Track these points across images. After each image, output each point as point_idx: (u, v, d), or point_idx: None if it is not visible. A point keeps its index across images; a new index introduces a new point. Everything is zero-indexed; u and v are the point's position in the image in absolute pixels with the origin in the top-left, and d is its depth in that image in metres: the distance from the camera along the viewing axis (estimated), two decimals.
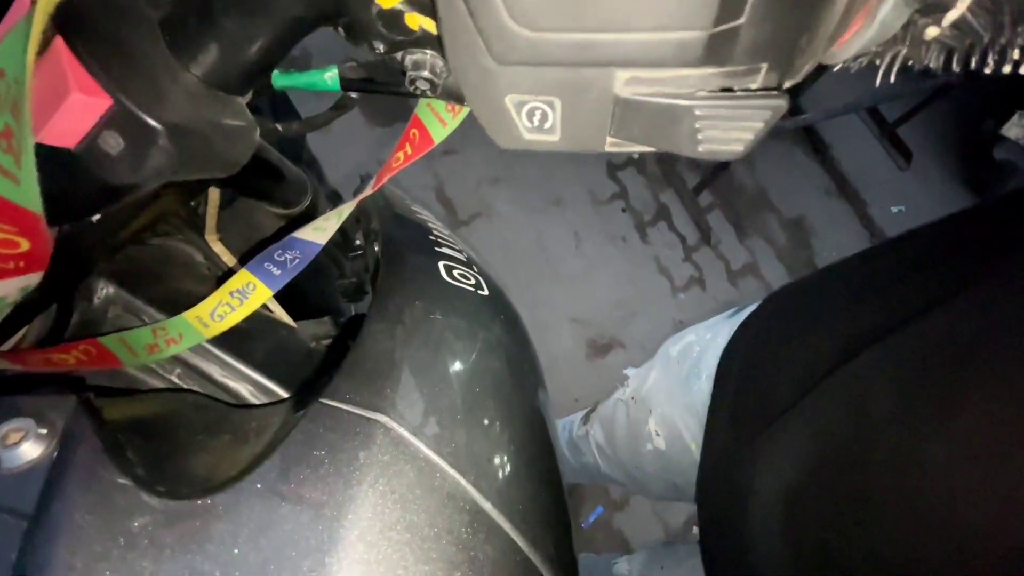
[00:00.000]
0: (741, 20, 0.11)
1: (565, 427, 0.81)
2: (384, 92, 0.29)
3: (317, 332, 0.41)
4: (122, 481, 0.16)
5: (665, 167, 1.71)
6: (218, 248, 0.41)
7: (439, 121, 0.24)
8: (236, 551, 0.15)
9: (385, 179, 0.27)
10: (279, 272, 0.28)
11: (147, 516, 0.15)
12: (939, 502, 0.23)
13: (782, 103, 0.13)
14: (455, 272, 0.29)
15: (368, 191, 0.27)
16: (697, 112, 0.13)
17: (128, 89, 0.14)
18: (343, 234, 0.41)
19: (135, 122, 0.14)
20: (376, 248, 0.33)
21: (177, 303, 0.34)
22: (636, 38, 0.12)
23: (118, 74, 0.14)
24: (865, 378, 0.28)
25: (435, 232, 0.33)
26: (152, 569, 0.15)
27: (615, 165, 1.68)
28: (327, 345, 0.39)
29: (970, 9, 0.12)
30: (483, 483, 0.19)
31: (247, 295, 0.28)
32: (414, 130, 0.25)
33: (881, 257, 0.36)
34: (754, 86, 0.13)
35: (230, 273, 0.40)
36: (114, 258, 0.32)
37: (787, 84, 0.14)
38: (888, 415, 0.26)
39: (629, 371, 0.59)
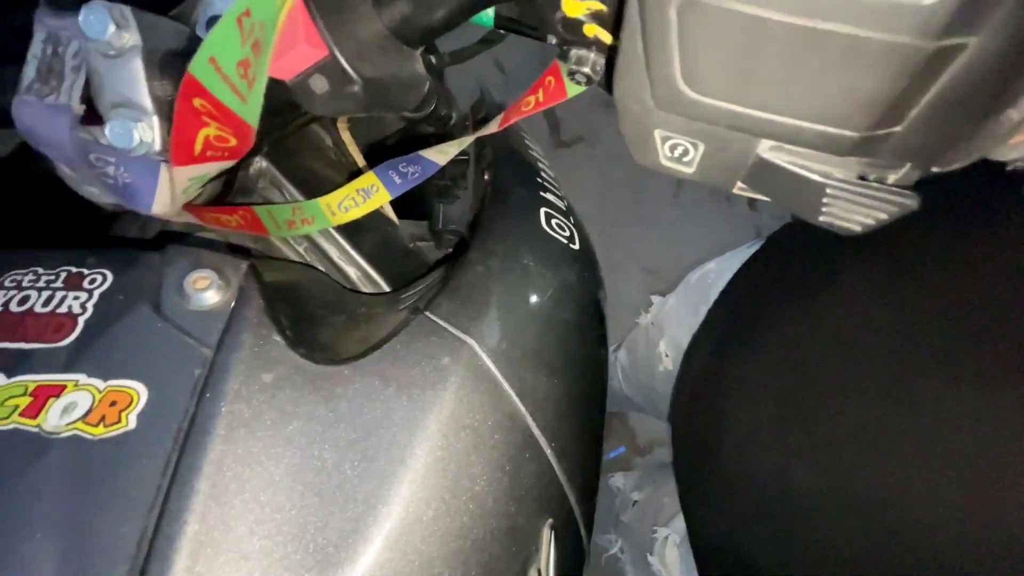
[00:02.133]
0: (898, 128, 0.12)
1: None
2: (531, 36, 0.31)
3: (415, 232, 0.46)
4: (276, 338, 0.21)
5: None
6: (346, 137, 0.46)
7: None
8: (346, 416, 0.21)
9: (512, 120, 0.29)
10: (400, 181, 0.32)
11: (292, 370, 0.21)
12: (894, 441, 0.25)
13: (913, 204, 0.14)
14: (553, 222, 0.32)
15: (492, 128, 0.30)
16: (828, 190, 0.14)
17: (341, 43, 0.17)
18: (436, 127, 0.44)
19: (340, 71, 0.18)
20: (485, 176, 0.36)
21: (307, 182, 0.39)
22: (792, 123, 0.13)
23: (335, 29, 0.17)
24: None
25: (543, 173, 0.35)
26: (289, 410, 0.20)
27: None
28: (423, 247, 0.44)
29: None
30: (538, 415, 0.24)
31: (370, 195, 0.32)
32: (550, 78, 0.27)
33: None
34: (891, 180, 0.14)
35: (352, 161, 0.45)
36: (270, 139, 0.37)
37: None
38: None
39: (654, 298, 0.62)
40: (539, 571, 0.22)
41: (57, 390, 0.20)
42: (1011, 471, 0.23)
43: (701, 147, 0.16)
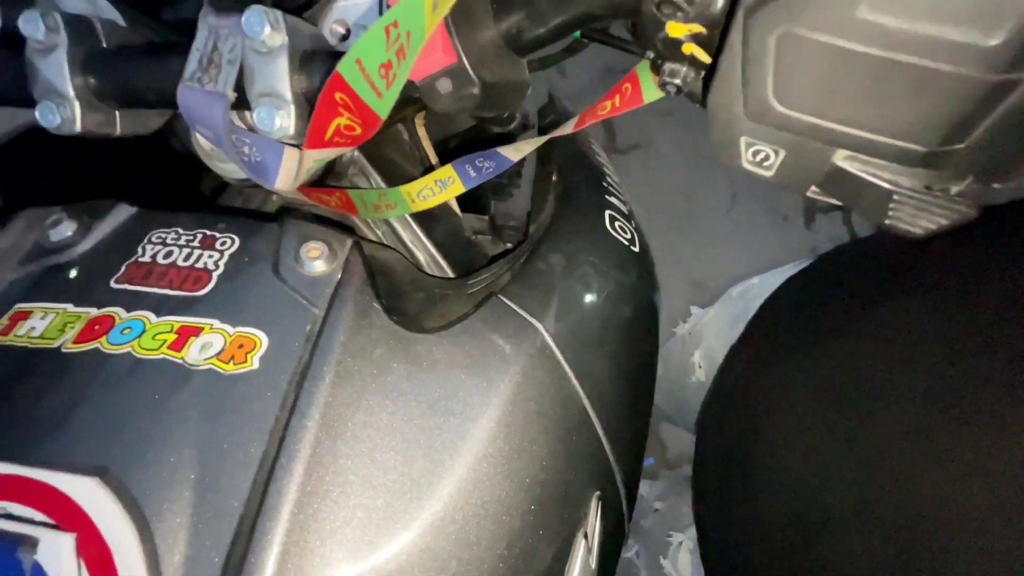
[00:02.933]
0: (962, 146, 0.15)
1: None
2: (615, 46, 0.33)
3: (475, 226, 0.49)
4: (375, 305, 0.25)
5: None
6: (421, 132, 0.50)
7: (655, 84, 0.28)
8: (430, 378, 0.24)
9: (587, 123, 0.31)
10: (475, 175, 0.35)
11: (387, 334, 0.24)
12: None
13: (971, 212, 0.16)
14: (616, 224, 0.34)
15: (568, 130, 0.33)
16: (895, 196, 0.17)
17: (468, 52, 0.21)
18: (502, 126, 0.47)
19: (465, 75, 0.21)
20: (554, 177, 0.39)
21: (388, 171, 0.43)
22: (868, 136, 0.16)
23: (463, 39, 0.21)
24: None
25: (608, 178, 0.38)
26: (385, 366, 0.24)
27: None
28: (482, 240, 0.47)
29: None
30: (593, 397, 0.27)
31: (446, 186, 0.36)
32: (628, 84, 0.29)
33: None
34: (953, 191, 0.16)
35: (425, 156, 0.49)
36: None
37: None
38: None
39: (694, 309, 0.63)
40: (586, 535, 0.24)
41: (196, 331, 0.24)
42: None
43: (782, 154, 0.18)
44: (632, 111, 0.29)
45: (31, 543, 0.19)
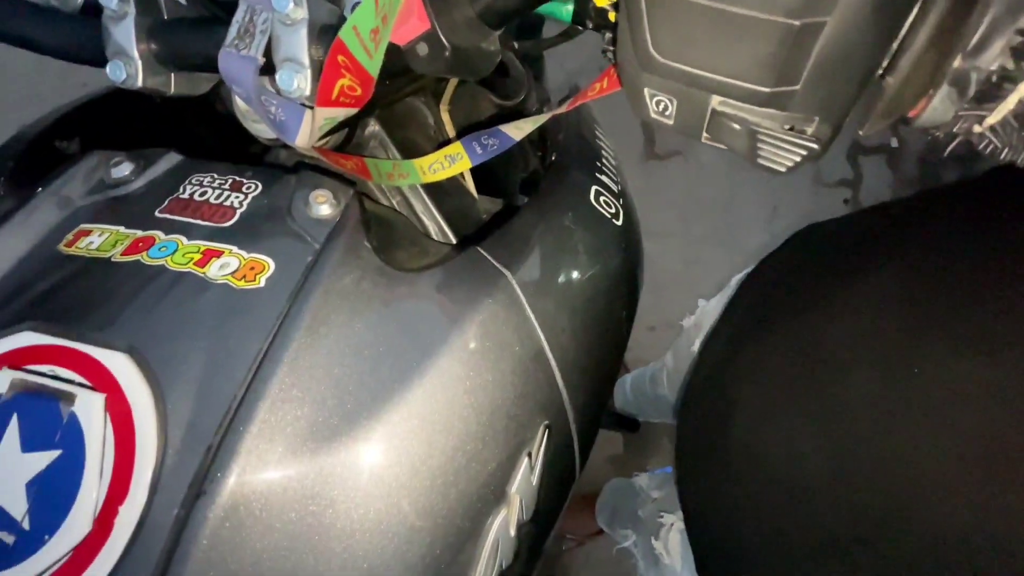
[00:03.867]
0: (797, 87, 0.17)
1: (650, 365, 0.89)
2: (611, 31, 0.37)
3: (489, 208, 0.53)
4: (366, 244, 0.29)
5: (926, 168, 1.47)
6: (445, 117, 0.54)
7: None
8: (406, 309, 0.28)
9: (576, 103, 0.35)
10: (481, 151, 0.39)
11: (373, 268, 0.28)
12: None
13: (816, 148, 0.19)
14: (602, 199, 0.37)
15: (561, 109, 0.36)
16: (760, 137, 0.19)
17: (440, 21, 0.25)
18: (540, 136, 0.51)
19: (437, 41, 0.25)
20: (553, 156, 0.43)
21: (408, 149, 0.48)
22: (722, 79, 0.19)
23: (438, 11, 0.25)
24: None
25: (603, 160, 0.41)
26: (367, 294, 0.28)
27: (861, 148, 1.47)
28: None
29: (1001, 123, 0.16)
30: (552, 341, 0.30)
31: (455, 161, 0.40)
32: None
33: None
34: (808, 131, 0.19)
35: (448, 139, 0.53)
36: (382, 107, 0.45)
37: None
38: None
39: (700, 301, 0.64)
40: (530, 454, 0.28)
41: (218, 253, 0.28)
42: (1013, 442, 0.24)
43: (675, 103, 0.21)
44: None
45: (70, 398, 0.24)
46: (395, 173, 0.41)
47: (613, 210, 0.37)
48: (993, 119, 0.17)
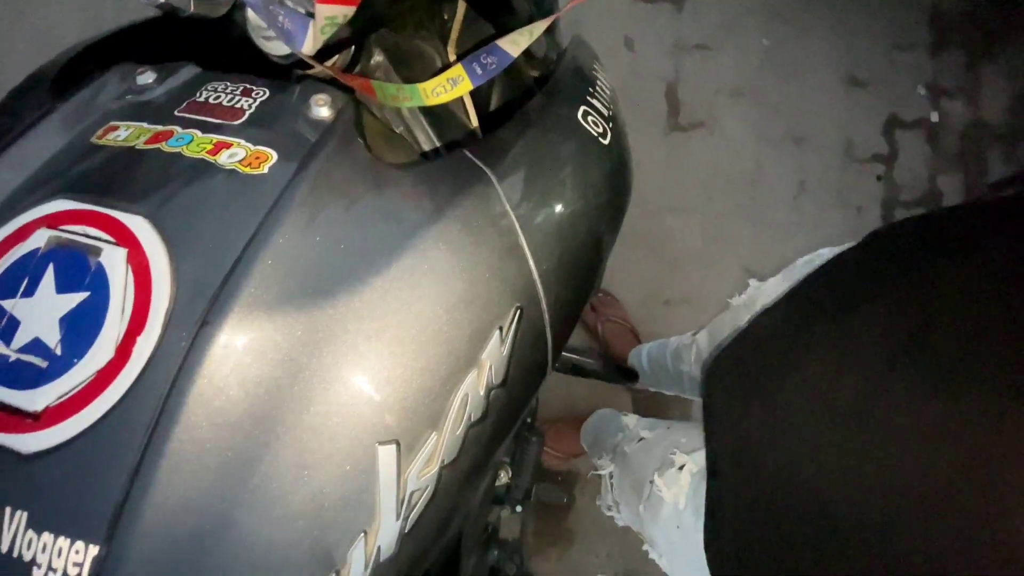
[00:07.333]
0: None
1: (673, 340, 0.90)
2: None
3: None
4: (358, 140, 0.33)
5: (969, 144, 1.42)
6: (452, 58, 0.57)
7: None
8: (391, 197, 0.31)
9: (569, 7, 0.38)
10: (481, 72, 0.42)
11: (363, 161, 0.32)
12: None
13: None
14: (590, 118, 0.40)
15: (554, 17, 0.39)
16: None
17: None
18: (543, 76, 0.54)
19: None
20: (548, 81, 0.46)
21: (412, 82, 0.51)
22: None
23: None
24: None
25: (596, 88, 0.44)
26: (356, 182, 0.31)
27: (897, 121, 1.41)
28: None
29: None
30: (528, 234, 0.33)
31: (457, 83, 0.43)
32: None
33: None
34: None
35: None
36: (387, 41, 0.49)
37: None
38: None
39: (752, 281, 0.64)
40: (501, 328, 0.31)
41: (228, 145, 0.32)
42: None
43: None
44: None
45: (97, 251, 0.28)
46: (399, 95, 0.44)
47: (600, 129, 0.40)
48: None
